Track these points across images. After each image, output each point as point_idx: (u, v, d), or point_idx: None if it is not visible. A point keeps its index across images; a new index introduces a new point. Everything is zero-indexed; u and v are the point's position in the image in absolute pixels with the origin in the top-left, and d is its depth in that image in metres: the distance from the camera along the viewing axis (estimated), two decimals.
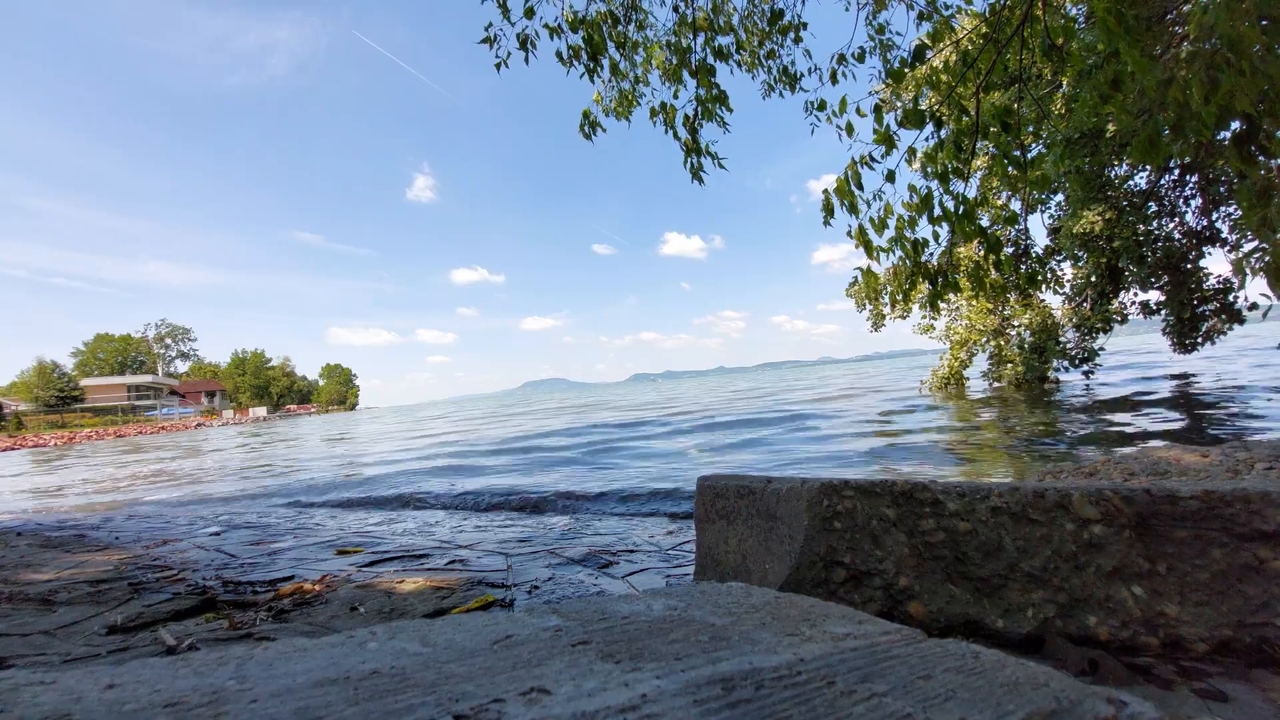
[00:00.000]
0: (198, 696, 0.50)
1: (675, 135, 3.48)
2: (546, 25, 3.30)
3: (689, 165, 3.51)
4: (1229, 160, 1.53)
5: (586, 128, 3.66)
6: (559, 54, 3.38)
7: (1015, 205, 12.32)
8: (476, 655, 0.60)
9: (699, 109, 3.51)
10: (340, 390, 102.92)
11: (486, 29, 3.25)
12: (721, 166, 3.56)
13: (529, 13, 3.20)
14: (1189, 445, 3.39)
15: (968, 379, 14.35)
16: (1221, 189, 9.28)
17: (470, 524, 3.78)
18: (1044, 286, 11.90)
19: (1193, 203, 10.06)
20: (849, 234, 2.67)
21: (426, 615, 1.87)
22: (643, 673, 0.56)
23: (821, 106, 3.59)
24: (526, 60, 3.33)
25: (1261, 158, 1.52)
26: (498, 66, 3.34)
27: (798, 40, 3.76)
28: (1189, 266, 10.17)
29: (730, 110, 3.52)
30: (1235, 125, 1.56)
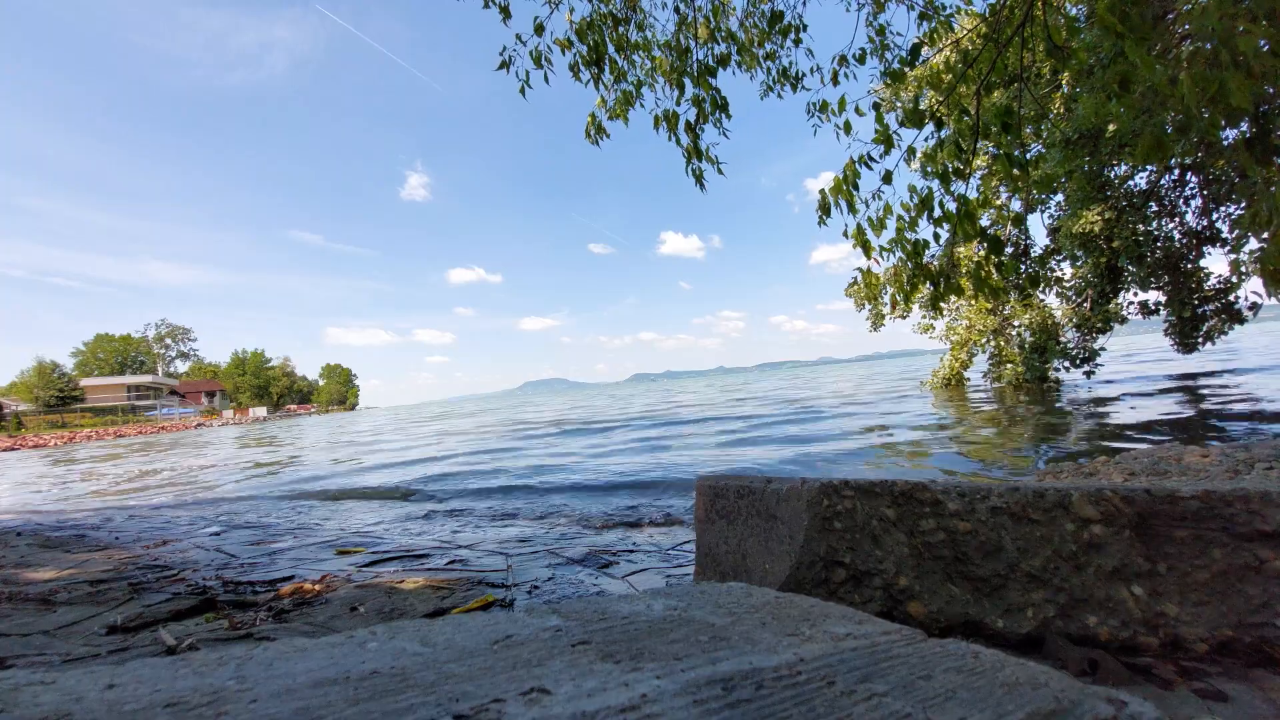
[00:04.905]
0: (198, 696, 0.50)
1: (678, 142, 3.48)
2: (557, 40, 3.31)
3: (690, 170, 3.51)
4: (1239, 160, 1.53)
5: (593, 133, 3.66)
6: (571, 67, 3.38)
7: (1015, 205, 12.33)
8: (476, 655, 0.60)
9: (698, 112, 3.51)
10: (340, 390, 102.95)
11: (501, 53, 3.26)
12: (720, 173, 3.57)
13: (539, 29, 3.20)
14: (1189, 445, 3.39)
15: (968, 379, 14.36)
16: (1222, 189, 9.28)
17: (470, 524, 3.78)
18: (1044, 287, 11.90)
19: (1193, 203, 10.06)
20: (846, 234, 2.66)
21: (426, 615, 1.87)
22: (643, 673, 0.56)
23: (824, 108, 3.59)
24: (546, 79, 3.32)
25: (1274, 158, 1.51)
26: (521, 90, 3.31)
27: (797, 42, 3.76)
28: (1189, 266, 10.16)
29: (729, 117, 3.52)
30: (1244, 126, 1.55)
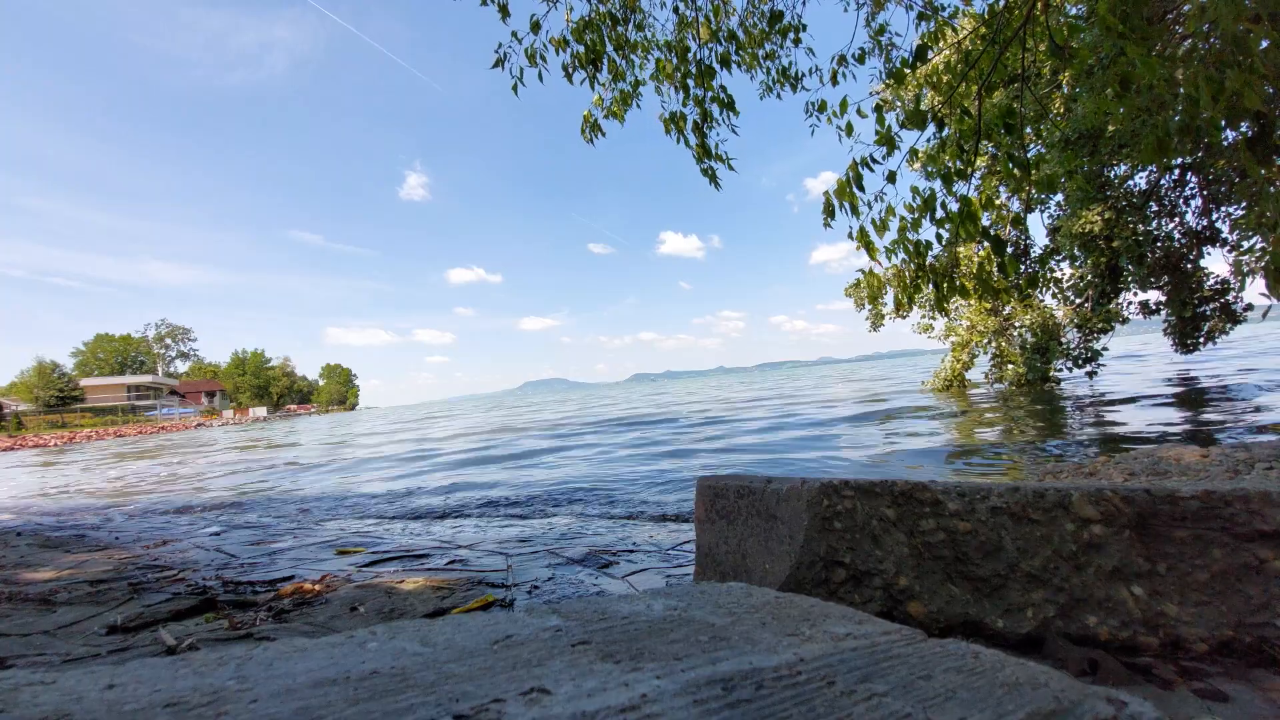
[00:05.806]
0: (198, 696, 0.50)
1: (687, 143, 3.49)
2: (552, 40, 3.31)
3: (703, 170, 3.53)
4: (1242, 160, 1.53)
5: (588, 131, 3.66)
6: (565, 67, 3.39)
7: (1014, 205, 12.33)
8: (476, 655, 0.60)
9: (702, 112, 3.51)
10: (340, 390, 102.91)
11: (497, 50, 3.26)
12: (731, 169, 3.57)
13: (535, 27, 3.20)
14: (1189, 445, 3.39)
15: (970, 381, 14.35)
16: (1222, 189, 9.27)
17: (470, 524, 3.78)
18: (1044, 288, 11.90)
19: (1193, 203, 10.06)
20: (850, 236, 2.66)
21: (426, 615, 1.87)
22: (643, 673, 0.56)
23: (822, 108, 3.59)
24: (540, 77, 3.33)
25: (1276, 158, 1.51)
26: (514, 88, 3.33)
27: (796, 41, 3.75)
28: (1189, 266, 10.16)
29: (736, 114, 3.52)
30: (1245, 126, 1.55)
